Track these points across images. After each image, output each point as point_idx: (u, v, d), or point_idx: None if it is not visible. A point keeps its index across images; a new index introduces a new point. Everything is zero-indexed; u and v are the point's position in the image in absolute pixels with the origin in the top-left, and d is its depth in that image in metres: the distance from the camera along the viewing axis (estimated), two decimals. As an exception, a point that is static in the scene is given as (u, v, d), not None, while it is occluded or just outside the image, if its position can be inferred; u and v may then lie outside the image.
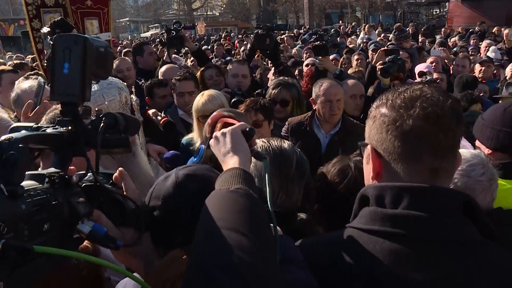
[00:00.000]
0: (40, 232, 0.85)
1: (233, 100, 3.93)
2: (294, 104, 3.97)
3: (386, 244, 1.11)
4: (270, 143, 1.71)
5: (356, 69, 5.83)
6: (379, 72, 4.37)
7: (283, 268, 1.13)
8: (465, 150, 1.84)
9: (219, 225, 0.99)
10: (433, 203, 1.12)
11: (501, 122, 2.20)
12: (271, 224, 1.14)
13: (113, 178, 1.22)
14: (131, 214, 1.16)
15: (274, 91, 3.92)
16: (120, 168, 1.22)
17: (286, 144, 1.72)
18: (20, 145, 0.82)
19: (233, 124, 1.35)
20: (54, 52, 0.99)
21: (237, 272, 0.91)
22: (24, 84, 3.13)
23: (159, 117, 3.92)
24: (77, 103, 1.01)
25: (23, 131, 0.94)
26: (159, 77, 5.03)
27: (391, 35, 9.37)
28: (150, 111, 4.03)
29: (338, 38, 9.32)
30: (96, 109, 1.16)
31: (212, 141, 1.34)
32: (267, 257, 1.00)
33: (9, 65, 7.16)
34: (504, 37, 8.61)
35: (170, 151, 3.34)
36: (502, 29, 10.76)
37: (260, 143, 1.71)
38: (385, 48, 5.83)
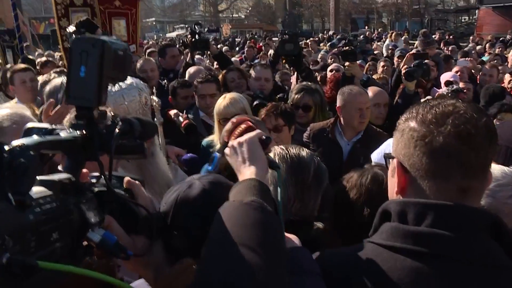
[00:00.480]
0: (48, 242, 0.82)
1: (255, 103, 3.90)
2: (317, 110, 3.92)
3: (408, 262, 1.07)
4: (288, 150, 1.68)
5: (381, 75, 5.73)
6: (403, 76, 4.29)
7: (298, 279, 1.10)
8: (497, 167, 1.73)
9: (229, 240, 0.97)
10: (458, 222, 1.07)
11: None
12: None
13: (125, 183, 1.19)
14: (143, 222, 1.13)
15: (297, 96, 3.88)
16: (126, 179, 1.19)
17: (304, 151, 1.70)
18: (31, 153, 0.80)
19: (252, 130, 1.31)
20: (71, 55, 0.97)
21: (244, 286, 0.89)
22: (56, 80, 3.16)
23: (180, 118, 3.91)
24: (92, 107, 0.99)
25: (35, 137, 0.92)
26: (186, 78, 5.05)
27: (416, 41, 9.23)
28: (172, 112, 4.02)
29: (366, 45, 9.25)
30: (112, 113, 1.13)
31: (228, 150, 1.31)
32: (278, 275, 0.97)
33: (37, 63, 7.31)
34: None
35: (188, 154, 3.33)
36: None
37: (278, 150, 1.68)
38: (414, 52, 5.73)
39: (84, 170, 1.02)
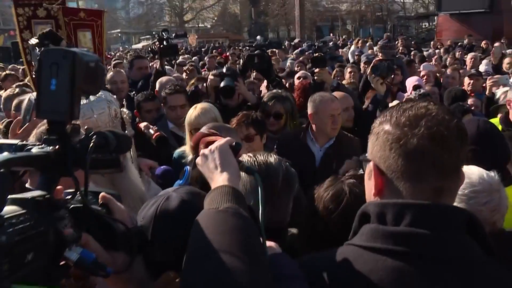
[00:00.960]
0: (21, 264, 0.79)
1: (222, 84, 3.84)
2: (288, 117, 3.95)
3: (389, 262, 1.09)
4: (256, 158, 1.68)
5: (351, 81, 5.82)
6: (370, 71, 4.36)
7: (283, 285, 1.10)
8: (476, 171, 1.74)
9: (210, 248, 0.97)
10: (436, 220, 1.10)
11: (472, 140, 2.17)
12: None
13: (101, 198, 1.16)
14: (122, 238, 1.10)
15: (268, 103, 3.89)
16: (102, 194, 1.16)
17: (272, 158, 1.70)
18: (1, 170, 0.76)
19: (216, 141, 1.32)
20: (40, 67, 0.94)
21: None
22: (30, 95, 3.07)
23: (151, 131, 3.86)
24: (65, 122, 0.96)
25: (5, 154, 0.88)
26: (156, 88, 5.00)
27: (378, 44, 9.45)
28: (142, 124, 3.96)
29: (336, 52, 9.38)
30: (86, 126, 1.10)
31: (199, 159, 1.31)
32: (261, 278, 0.98)
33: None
34: (491, 53, 8.71)
35: (162, 167, 3.29)
36: (495, 44, 10.83)
37: (246, 157, 1.68)
38: (380, 58, 5.85)
39: (58, 187, 0.99)
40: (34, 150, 0.94)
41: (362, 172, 1.36)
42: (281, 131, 3.84)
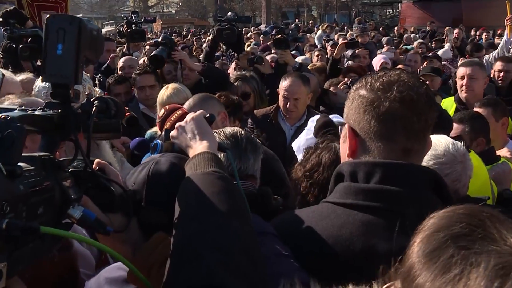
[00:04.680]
0: (35, 215, 0.82)
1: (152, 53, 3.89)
2: (256, 96, 4.00)
3: (359, 216, 1.18)
4: (221, 131, 1.80)
5: (320, 63, 5.91)
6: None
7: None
8: (443, 142, 1.83)
9: (201, 208, 1.01)
10: (404, 178, 1.19)
11: None
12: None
13: (96, 163, 1.19)
14: (119, 200, 1.13)
15: (233, 85, 3.94)
16: (96, 160, 1.18)
17: (232, 129, 1.84)
18: (18, 124, 0.79)
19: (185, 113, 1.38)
20: (47, 33, 0.95)
21: (227, 250, 0.93)
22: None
23: (121, 112, 3.84)
24: (69, 85, 0.98)
25: (17, 111, 0.90)
26: (119, 68, 4.94)
27: (354, 28, 9.60)
28: (112, 106, 3.94)
29: (298, 33, 9.42)
30: (86, 93, 1.12)
31: (174, 132, 1.34)
32: (253, 235, 1.03)
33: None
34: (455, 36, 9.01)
35: (136, 138, 3.27)
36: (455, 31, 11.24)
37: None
38: (345, 41, 5.96)
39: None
40: (37, 112, 0.96)
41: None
42: (251, 111, 3.89)
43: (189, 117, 1.33)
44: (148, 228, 1.19)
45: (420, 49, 8.40)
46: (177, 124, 1.34)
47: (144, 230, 1.20)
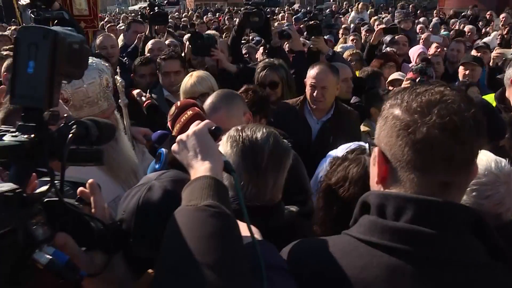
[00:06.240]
0: None
1: None
2: (284, 86, 3.82)
3: (384, 259, 1.02)
4: (241, 133, 1.57)
5: (354, 51, 5.66)
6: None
7: (258, 275, 1.02)
8: (484, 161, 1.63)
9: (183, 256, 0.90)
10: (439, 219, 1.02)
11: None
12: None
13: (79, 192, 1.08)
14: (98, 235, 1.02)
15: (261, 74, 3.76)
16: (90, 181, 1.08)
17: (260, 132, 1.58)
18: None
19: (200, 118, 1.21)
20: (17, 47, 0.84)
21: None
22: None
23: (143, 98, 3.76)
24: (42, 109, 0.87)
25: None
26: (147, 51, 4.87)
27: (396, 14, 9.26)
28: (135, 92, 3.86)
29: (332, 19, 9.10)
30: (66, 115, 1.00)
31: (175, 146, 1.20)
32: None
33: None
34: (500, 24, 8.49)
35: (158, 131, 3.19)
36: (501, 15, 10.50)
37: (232, 132, 1.59)
38: (383, 26, 5.71)
39: (33, 176, 0.91)
40: (7, 138, 0.86)
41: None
42: (278, 101, 3.72)
43: (191, 130, 1.19)
44: (139, 264, 1.08)
45: (469, 35, 7.94)
46: (179, 138, 1.20)
47: (135, 266, 1.09)
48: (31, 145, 0.87)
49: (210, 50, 4.16)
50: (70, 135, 0.90)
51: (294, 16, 10.75)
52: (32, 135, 0.88)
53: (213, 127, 1.20)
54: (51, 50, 0.84)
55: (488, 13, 13.53)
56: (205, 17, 15.87)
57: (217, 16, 17.01)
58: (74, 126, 0.92)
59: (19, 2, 4.11)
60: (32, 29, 0.86)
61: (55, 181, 0.90)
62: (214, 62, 4.34)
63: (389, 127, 1.07)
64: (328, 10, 10.58)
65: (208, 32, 7.08)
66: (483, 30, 10.03)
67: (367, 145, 1.68)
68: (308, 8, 14.53)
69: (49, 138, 0.89)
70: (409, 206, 1.03)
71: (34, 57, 0.84)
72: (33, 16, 3.97)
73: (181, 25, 12.45)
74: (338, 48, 5.99)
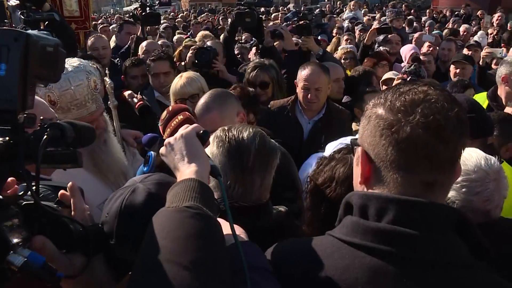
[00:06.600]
0: None
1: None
2: (274, 86, 3.82)
3: (366, 260, 1.01)
4: (228, 133, 1.57)
5: (348, 49, 5.66)
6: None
7: (240, 276, 1.02)
8: (474, 158, 1.63)
9: (160, 256, 0.89)
10: (421, 219, 1.01)
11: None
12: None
13: (60, 195, 1.07)
14: (78, 238, 1.02)
15: (251, 74, 3.76)
16: (70, 183, 1.07)
17: (247, 132, 1.57)
18: None
19: (190, 122, 1.22)
20: None
21: None
22: None
23: (135, 99, 3.75)
24: (15, 110, 0.87)
25: None
26: (140, 53, 4.86)
27: (387, 13, 9.27)
28: (126, 93, 3.85)
29: (324, 19, 9.10)
30: (41, 117, 1.00)
31: (163, 149, 1.21)
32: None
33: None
34: (495, 23, 8.54)
35: (148, 134, 3.19)
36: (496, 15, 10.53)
37: (218, 132, 1.58)
38: (377, 26, 5.72)
39: (10, 179, 0.90)
40: None
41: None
42: (269, 101, 3.72)
43: (179, 133, 1.19)
44: (120, 267, 1.07)
45: (465, 34, 7.95)
46: (166, 141, 1.21)
47: (119, 268, 1.08)
48: (6, 148, 0.87)
49: (212, 63, 4.16)
50: (45, 137, 0.90)
51: (285, 16, 10.77)
52: (7, 138, 0.88)
53: (201, 131, 1.21)
54: (23, 53, 0.84)
55: (479, 12, 13.58)
56: (199, 17, 15.86)
57: (210, 16, 17.00)
58: (48, 129, 0.92)
59: (8, 2, 4.05)
60: (3, 31, 0.86)
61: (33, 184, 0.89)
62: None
63: (373, 126, 1.06)
64: (318, 10, 10.56)
65: (201, 33, 7.09)
66: (474, 29, 10.07)
67: None
68: (298, 9, 14.56)
69: (25, 141, 0.89)
70: (391, 206, 1.01)
71: (5, 59, 0.84)
72: (22, 17, 3.93)
73: (182, 26, 12.57)
74: (339, 50, 5.99)
